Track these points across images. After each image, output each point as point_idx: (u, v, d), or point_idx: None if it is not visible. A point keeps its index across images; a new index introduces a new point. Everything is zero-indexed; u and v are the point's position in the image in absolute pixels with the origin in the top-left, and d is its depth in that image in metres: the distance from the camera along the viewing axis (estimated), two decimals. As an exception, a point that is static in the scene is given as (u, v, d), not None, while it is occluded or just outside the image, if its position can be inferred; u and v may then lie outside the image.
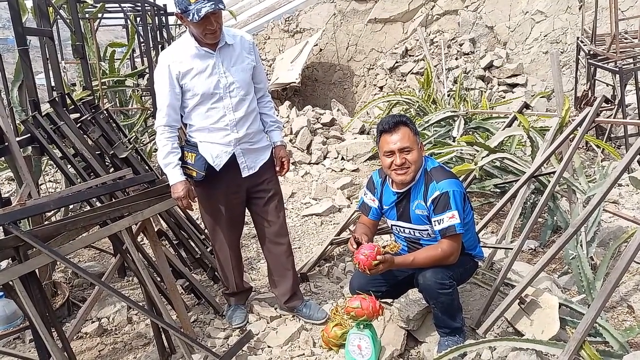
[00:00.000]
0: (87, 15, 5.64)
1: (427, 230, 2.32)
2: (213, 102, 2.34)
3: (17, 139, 2.57)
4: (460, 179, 2.69)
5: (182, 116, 2.43)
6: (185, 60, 2.29)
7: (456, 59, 9.68)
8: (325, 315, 2.61)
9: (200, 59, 2.30)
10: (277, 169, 2.57)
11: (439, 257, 2.21)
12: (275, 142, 2.57)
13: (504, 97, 8.50)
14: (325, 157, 5.83)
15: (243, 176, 2.45)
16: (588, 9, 7.34)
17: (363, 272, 2.16)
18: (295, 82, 9.33)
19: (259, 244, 3.67)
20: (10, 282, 1.81)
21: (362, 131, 6.54)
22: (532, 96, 7.52)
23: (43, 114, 2.84)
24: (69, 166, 2.91)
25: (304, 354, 2.40)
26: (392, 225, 2.48)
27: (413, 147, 2.24)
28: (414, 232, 2.37)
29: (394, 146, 2.24)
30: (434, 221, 2.23)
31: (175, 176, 2.34)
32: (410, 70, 9.84)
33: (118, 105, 6.18)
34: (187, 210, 2.50)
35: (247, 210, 2.63)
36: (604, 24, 7.45)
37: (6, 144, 2.47)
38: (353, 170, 5.41)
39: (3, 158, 2.72)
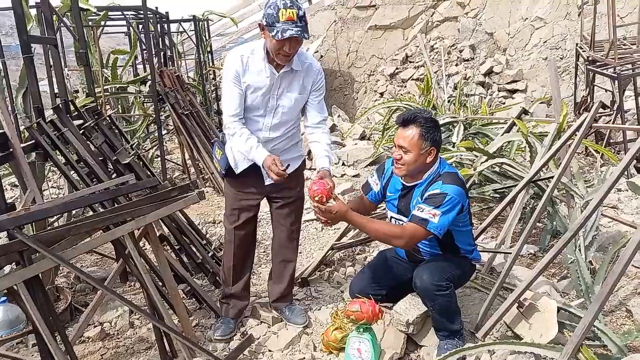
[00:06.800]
0: (90, 23, 5.70)
1: None
2: (255, 115, 2.43)
3: (22, 145, 2.60)
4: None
5: None
6: (249, 69, 2.35)
7: (456, 65, 9.73)
8: (304, 322, 2.65)
9: (263, 75, 2.35)
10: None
11: (392, 233, 2.25)
12: (322, 167, 2.47)
13: (504, 103, 8.54)
14: (326, 163, 5.85)
15: (266, 183, 2.51)
16: (587, 15, 7.39)
17: (322, 204, 2.16)
18: (296, 89, 9.36)
19: (259, 249, 3.72)
20: (15, 286, 1.83)
21: (362, 137, 6.57)
22: (531, 102, 7.55)
23: (47, 121, 2.87)
24: (72, 172, 2.94)
25: (304, 358, 2.41)
26: (391, 217, 2.51)
27: (411, 150, 2.27)
28: None
29: (397, 141, 2.32)
30: (417, 207, 2.24)
31: (261, 154, 2.31)
32: (411, 77, 9.89)
33: (121, 111, 6.21)
34: (282, 179, 2.29)
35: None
36: (603, 30, 7.50)
37: (11, 150, 2.50)
38: (354, 176, 5.43)
39: (8, 164, 2.75)
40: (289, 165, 2.34)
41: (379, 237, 2.35)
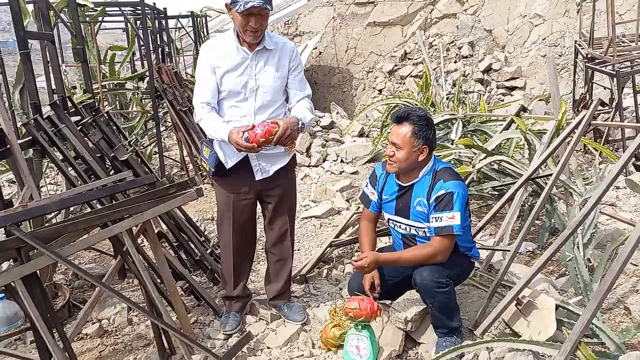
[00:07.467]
0: (87, 19, 5.67)
1: (424, 228, 2.34)
2: (237, 100, 2.40)
3: (19, 141, 2.59)
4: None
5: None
6: (222, 54, 2.35)
7: (455, 62, 9.72)
8: (303, 318, 2.64)
9: (236, 57, 2.35)
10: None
11: (427, 254, 2.25)
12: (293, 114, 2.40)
13: (502, 100, 8.54)
14: (324, 160, 5.85)
15: (256, 179, 2.48)
16: (586, 12, 7.38)
17: (258, 146, 2.17)
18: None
19: (258, 246, 3.71)
20: (12, 283, 1.82)
21: (361, 134, 6.56)
22: (530, 99, 7.55)
23: (44, 117, 2.86)
24: (69, 168, 2.93)
25: (302, 355, 2.41)
26: (388, 219, 2.50)
27: (404, 147, 2.28)
28: (410, 228, 2.40)
29: (390, 138, 2.34)
30: (432, 218, 2.26)
31: (225, 130, 2.25)
32: (409, 74, 9.88)
33: (118, 108, 6.20)
34: (254, 150, 2.23)
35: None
36: (601, 27, 7.49)
37: (8, 146, 2.49)
38: (352, 173, 5.43)
39: (5, 160, 2.74)
40: (253, 125, 2.23)
41: (415, 263, 2.31)
